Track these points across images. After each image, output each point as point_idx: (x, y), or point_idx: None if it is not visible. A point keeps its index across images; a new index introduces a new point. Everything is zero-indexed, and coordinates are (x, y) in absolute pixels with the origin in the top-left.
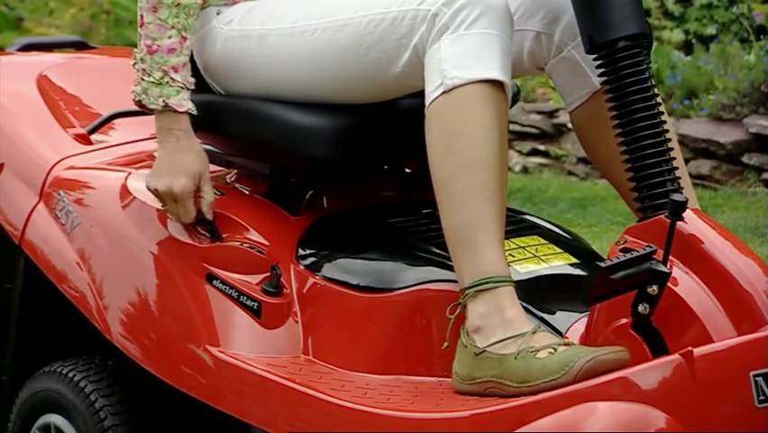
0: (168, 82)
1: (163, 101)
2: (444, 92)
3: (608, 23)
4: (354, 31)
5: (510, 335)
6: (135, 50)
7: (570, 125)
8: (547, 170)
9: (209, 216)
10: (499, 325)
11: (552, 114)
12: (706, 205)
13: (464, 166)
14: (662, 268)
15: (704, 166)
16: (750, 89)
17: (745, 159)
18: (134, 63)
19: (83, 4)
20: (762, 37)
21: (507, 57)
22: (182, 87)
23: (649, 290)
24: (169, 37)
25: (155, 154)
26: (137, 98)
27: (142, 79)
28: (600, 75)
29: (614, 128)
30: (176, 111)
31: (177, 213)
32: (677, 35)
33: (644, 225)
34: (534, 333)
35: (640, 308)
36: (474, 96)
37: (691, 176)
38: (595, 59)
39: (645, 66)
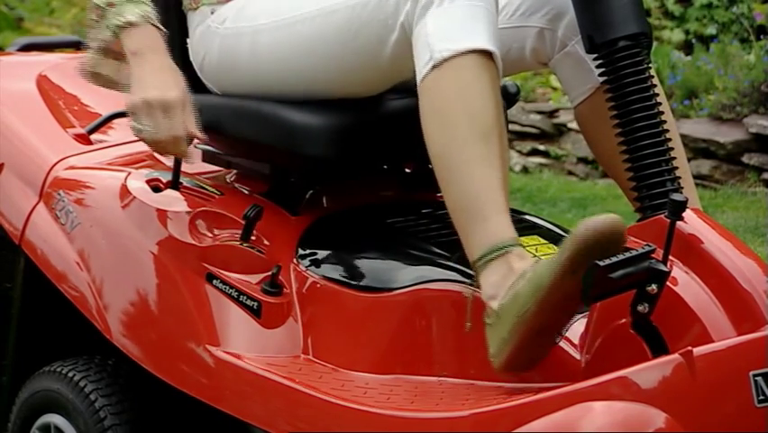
0: (139, 1)
1: (141, 11)
2: (434, 66)
3: (609, 23)
4: (343, 15)
5: (518, 276)
6: (90, 14)
7: (570, 125)
8: (547, 170)
9: (196, 133)
10: (509, 279)
11: (552, 114)
12: (706, 205)
13: (462, 139)
14: (661, 267)
15: (704, 166)
16: (750, 89)
17: (745, 159)
18: (90, 20)
19: (84, 4)
20: (762, 37)
21: (494, 27)
22: (150, 5)
23: (648, 288)
24: None
25: (129, 72)
26: (111, 34)
27: (112, 4)
28: (600, 75)
29: (614, 128)
30: (150, 23)
31: (164, 127)
32: (677, 35)
33: (643, 224)
34: (535, 263)
35: (639, 307)
36: (465, 66)
37: (691, 176)
38: (595, 59)
39: (645, 66)
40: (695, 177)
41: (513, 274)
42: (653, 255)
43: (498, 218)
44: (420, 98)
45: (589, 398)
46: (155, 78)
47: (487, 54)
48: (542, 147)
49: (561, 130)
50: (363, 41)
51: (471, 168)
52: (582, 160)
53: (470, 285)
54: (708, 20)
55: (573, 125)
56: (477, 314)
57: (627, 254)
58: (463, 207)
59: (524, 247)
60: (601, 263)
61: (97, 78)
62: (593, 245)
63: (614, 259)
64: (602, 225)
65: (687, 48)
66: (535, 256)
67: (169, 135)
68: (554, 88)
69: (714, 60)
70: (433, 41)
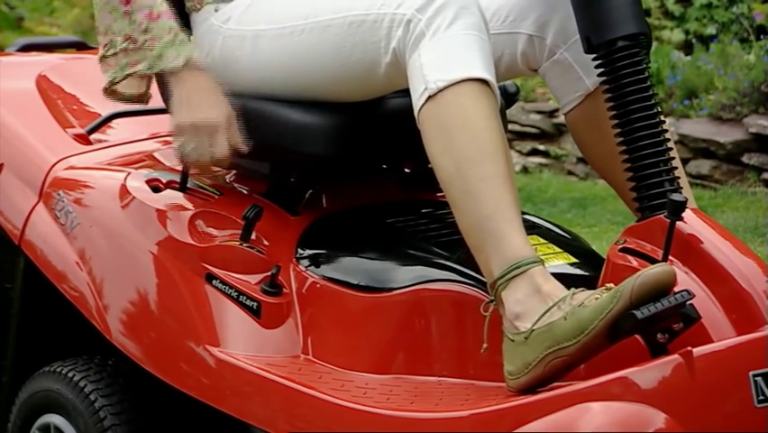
0: (181, 41)
1: (184, 58)
2: (430, 96)
3: (607, 23)
4: (338, 31)
5: (552, 303)
6: (117, 37)
7: None
8: (547, 170)
9: (242, 147)
10: (539, 302)
11: (552, 113)
12: (706, 205)
13: (471, 159)
14: (693, 313)
15: (704, 166)
16: (750, 89)
17: (744, 159)
18: (120, 47)
19: (84, 4)
20: (762, 37)
21: (488, 55)
22: (194, 46)
23: (675, 326)
24: (161, 4)
25: (174, 93)
26: (146, 70)
27: (151, 49)
28: (599, 75)
29: (613, 128)
30: (197, 67)
31: (209, 149)
32: (677, 35)
33: (643, 224)
34: (574, 295)
35: (660, 336)
36: (462, 93)
37: (691, 176)
38: (594, 60)
39: (644, 66)
40: (695, 177)
41: (542, 296)
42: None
43: (515, 236)
44: (421, 127)
45: (589, 398)
46: (199, 98)
47: (482, 82)
48: (542, 147)
49: (561, 130)
50: (357, 59)
51: (483, 187)
52: (582, 160)
53: (488, 303)
54: (708, 20)
55: None
56: (478, 312)
57: (666, 304)
58: (478, 228)
59: (543, 264)
60: (640, 315)
61: (118, 96)
62: (646, 298)
63: (653, 311)
64: (659, 279)
65: (687, 48)
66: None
67: (214, 157)
68: None
69: (714, 60)
70: (427, 72)
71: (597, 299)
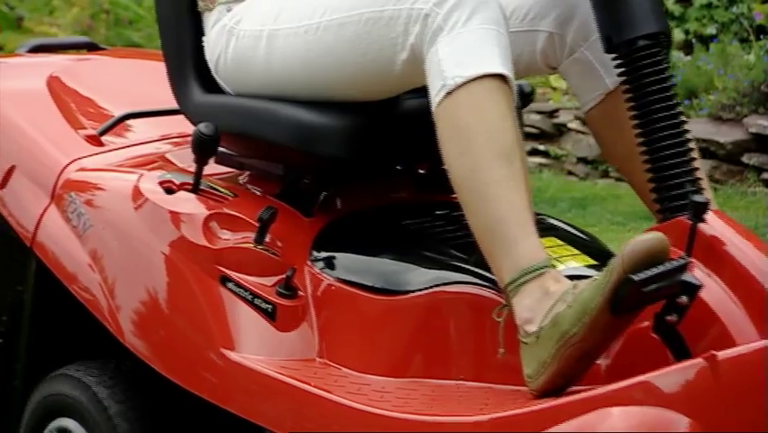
0: None
1: None
2: (448, 93)
3: (627, 22)
4: (354, 29)
5: (556, 299)
6: None
7: (570, 125)
8: (547, 170)
9: None
10: (546, 303)
11: (552, 114)
12: None
13: (484, 161)
14: (694, 280)
15: (704, 166)
16: (750, 89)
17: (744, 159)
18: None
19: (83, 4)
20: (762, 37)
21: (506, 50)
22: None
23: (678, 300)
24: None
25: None
26: None
27: None
28: (619, 75)
29: (633, 128)
30: None
31: None
32: (677, 35)
33: (664, 226)
34: (575, 285)
35: (668, 317)
36: (479, 90)
37: None
38: (614, 59)
39: (665, 65)
40: None
41: (549, 297)
42: (686, 268)
43: (527, 240)
44: (437, 124)
45: (611, 403)
46: None
47: (500, 77)
48: (542, 147)
49: (561, 130)
50: (373, 57)
51: (496, 190)
52: (582, 160)
53: (501, 309)
54: (708, 20)
55: (573, 125)
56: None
57: (662, 268)
58: (490, 231)
59: (557, 268)
60: (636, 278)
61: None
62: (640, 266)
63: (648, 273)
64: (650, 245)
65: (687, 48)
66: (553, 258)
67: None
68: (554, 88)
69: (714, 60)
70: (445, 68)
71: (595, 280)
